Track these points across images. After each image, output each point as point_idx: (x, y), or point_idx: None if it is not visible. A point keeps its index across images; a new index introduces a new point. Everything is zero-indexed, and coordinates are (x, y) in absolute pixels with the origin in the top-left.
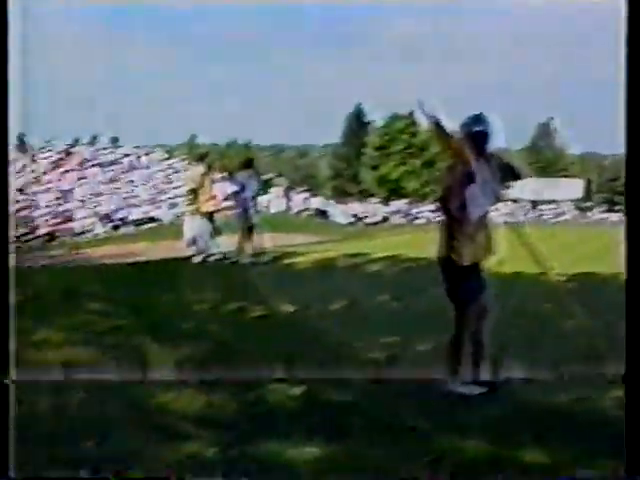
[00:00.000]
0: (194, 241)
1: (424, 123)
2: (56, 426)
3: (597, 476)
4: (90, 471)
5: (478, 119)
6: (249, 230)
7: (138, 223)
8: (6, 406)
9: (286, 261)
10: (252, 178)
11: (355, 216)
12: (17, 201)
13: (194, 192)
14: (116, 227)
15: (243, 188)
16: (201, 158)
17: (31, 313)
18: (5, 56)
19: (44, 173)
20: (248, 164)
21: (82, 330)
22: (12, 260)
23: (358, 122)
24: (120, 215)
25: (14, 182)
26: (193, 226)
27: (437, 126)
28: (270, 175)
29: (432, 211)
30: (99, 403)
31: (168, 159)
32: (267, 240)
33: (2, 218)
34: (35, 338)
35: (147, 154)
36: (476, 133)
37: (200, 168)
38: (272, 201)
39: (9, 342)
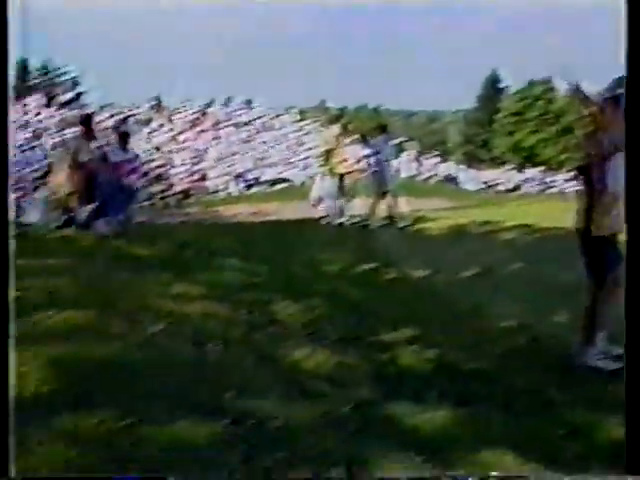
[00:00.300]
0: (324, 202)
1: (563, 89)
2: (195, 376)
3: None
4: (229, 422)
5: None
6: (382, 194)
7: (270, 183)
8: (6, 405)
9: (417, 226)
10: (386, 143)
11: (485, 183)
12: (153, 159)
13: (327, 153)
14: (249, 187)
15: (378, 152)
16: (336, 119)
17: (169, 268)
18: (5, 54)
19: (180, 132)
20: (383, 129)
21: (218, 286)
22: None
23: (493, 88)
24: (253, 175)
25: (151, 140)
26: (324, 187)
27: (579, 92)
28: (400, 139)
29: (567, 180)
30: (236, 358)
31: (300, 121)
32: (400, 204)
33: (2, 215)
34: (174, 291)
35: (279, 116)
36: (622, 98)
37: (334, 129)
38: (402, 165)
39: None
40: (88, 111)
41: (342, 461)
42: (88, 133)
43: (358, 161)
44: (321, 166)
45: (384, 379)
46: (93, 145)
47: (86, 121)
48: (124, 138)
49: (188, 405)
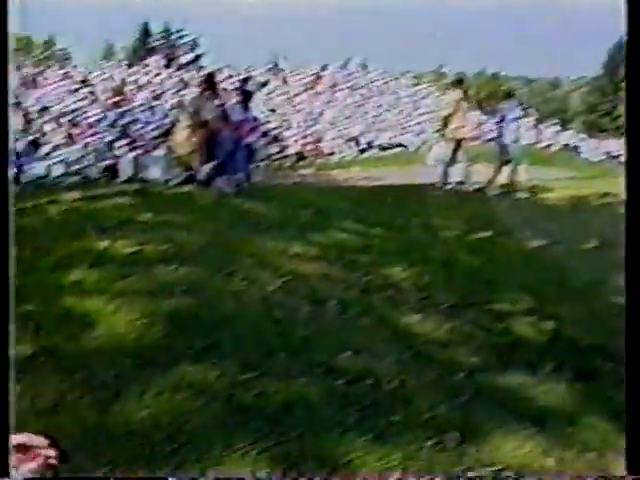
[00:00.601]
0: (441, 167)
1: None
2: (312, 335)
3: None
4: (345, 382)
5: None
6: (504, 162)
7: (384, 147)
8: (6, 404)
9: (536, 195)
10: (511, 110)
11: (607, 153)
12: (269, 121)
13: (446, 119)
14: (362, 150)
15: (501, 119)
16: (457, 84)
17: (286, 228)
18: (5, 50)
19: (296, 95)
20: (508, 95)
21: (334, 247)
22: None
23: (620, 55)
24: (367, 139)
25: (268, 102)
26: (441, 152)
27: None
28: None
29: None
30: (351, 319)
31: (415, 86)
32: (520, 173)
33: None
34: (291, 251)
35: (395, 79)
36: None
37: (455, 94)
38: (522, 133)
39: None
40: (209, 71)
41: (455, 427)
42: (210, 92)
43: (477, 127)
44: (438, 131)
45: (498, 348)
46: (214, 104)
47: (208, 80)
48: (245, 98)
49: (305, 362)
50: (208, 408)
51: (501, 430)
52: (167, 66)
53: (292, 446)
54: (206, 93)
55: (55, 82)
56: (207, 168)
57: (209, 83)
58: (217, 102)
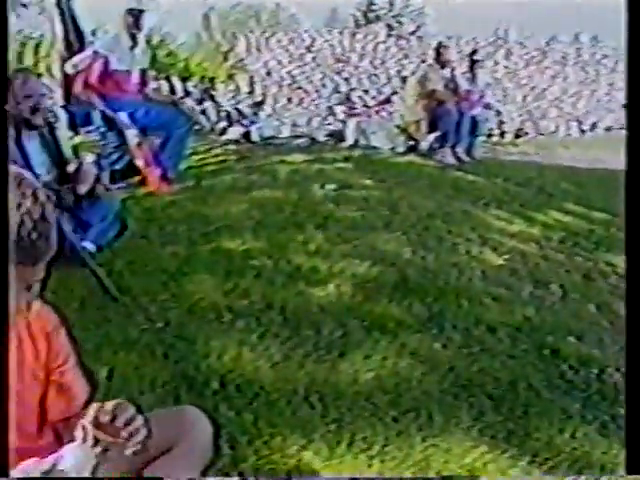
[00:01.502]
0: None
1: None
2: (534, 315)
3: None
4: (568, 368)
5: None
6: None
7: (609, 129)
8: (6, 404)
9: None
10: None
11: None
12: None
13: None
14: (583, 131)
15: None
16: None
17: (507, 205)
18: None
19: (519, 69)
20: None
21: (556, 228)
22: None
23: None
24: (592, 119)
25: (490, 75)
26: None
27: None
28: None
29: None
30: (574, 304)
31: None
32: None
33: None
34: (512, 229)
35: None
36: None
37: None
38: None
39: None
40: (438, 40)
41: None
42: (439, 61)
43: None
44: None
45: None
46: (441, 74)
47: (438, 49)
48: (475, 68)
49: (528, 343)
50: (430, 378)
51: None
52: (389, 35)
53: (516, 427)
54: (434, 63)
55: (281, 47)
56: (430, 138)
57: (437, 53)
58: (444, 72)
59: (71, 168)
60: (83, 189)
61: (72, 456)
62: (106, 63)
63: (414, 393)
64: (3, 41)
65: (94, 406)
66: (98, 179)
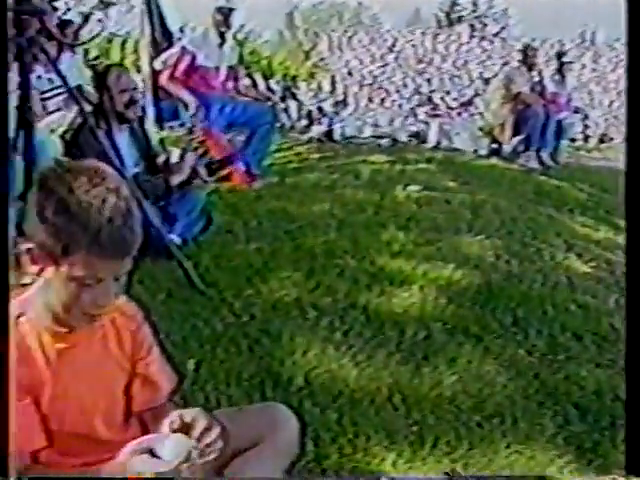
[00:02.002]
0: None
1: None
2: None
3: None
4: None
5: None
6: None
7: None
8: (6, 404)
9: None
10: None
11: None
12: (581, 97)
13: None
14: None
15: None
16: None
17: (591, 211)
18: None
19: (607, 72)
20: None
21: None
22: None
23: None
24: None
25: (577, 79)
26: None
27: None
28: None
29: None
30: None
31: None
32: None
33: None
34: (596, 236)
35: None
36: None
37: None
38: None
39: None
40: (524, 42)
41: None
42: (525, 63)
43: None
44: None
45: None
46: (528, 77)
47: (524, 51)
48: (563, 70)
49: (615, 353)
50: (514, 384)
51: None
52: (472, 36)
53: (602, 438)
54: (520, 65)
55: (363, 46)
56: (515, 142)
57: (524, 55)
58: (530, 75)
59: (160, 161)
60: (174, 181)
61: (171, 443)
62: (193, 59)
63: (498, 398)
64: (3, 40)
65: (173, 414)
66: (189, 172)
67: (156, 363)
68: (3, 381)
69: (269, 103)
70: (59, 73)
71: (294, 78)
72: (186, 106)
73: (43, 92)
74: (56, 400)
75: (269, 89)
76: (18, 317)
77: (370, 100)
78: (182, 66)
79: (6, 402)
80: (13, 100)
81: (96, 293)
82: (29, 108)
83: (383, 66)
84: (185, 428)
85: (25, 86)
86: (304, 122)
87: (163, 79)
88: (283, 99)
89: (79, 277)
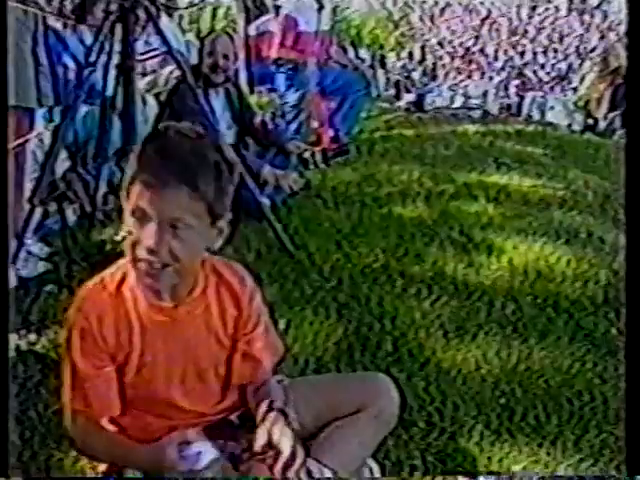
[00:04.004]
0: None
1: None
2: None
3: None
4: None
5: None
6: None
7: None
8: (6, 404)
9: None
10: None
11: None
12: None
13: None
14: None
15: None
16: None
17: None
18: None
19: None
20: None
21: None
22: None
23: None
24: None
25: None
26: None
27: None
28: None
29: None
30: None
31: None
32: None
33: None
34: None
35: None
36: None
37: None
38: None
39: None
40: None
41: None
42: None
43: None
44: None
45: None
46: (626, 52)
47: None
48: None
49: None
50: (605, 362)
51: None
52: (570, 9)
53: None
54: (621, 38)
55: (458, 17)
56: (611, 118)
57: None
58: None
59: (255, 124)
60: (266, 145)
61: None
62: (295, 25)
63: (588, 376)
64: (3, 39)
65: (262, 431)
66: (282, 138)
67: (260, 339)
68: (3, 381)
69: (359, 71)
70: (161, 34)
71: (382, 47)
72: (292, 71)
73: (141, 54)
74: (143, 369)
75: (358, 57)
76: (121, 282)
77: (460, 72)
78: (285, 33)
79: (6, 402)
80: (114, 59)
81: (187, 239)
82: (130, 67)
83: (475, 37)
84: (269, 448)
85: (126, 46)
86: (392, 91)
87: (265, 47)
88: (372, 67)
89: (173, 219)
